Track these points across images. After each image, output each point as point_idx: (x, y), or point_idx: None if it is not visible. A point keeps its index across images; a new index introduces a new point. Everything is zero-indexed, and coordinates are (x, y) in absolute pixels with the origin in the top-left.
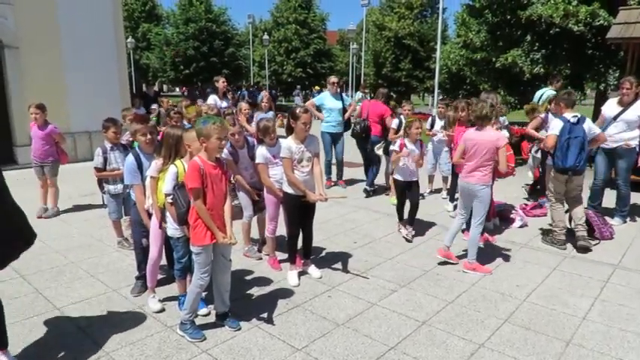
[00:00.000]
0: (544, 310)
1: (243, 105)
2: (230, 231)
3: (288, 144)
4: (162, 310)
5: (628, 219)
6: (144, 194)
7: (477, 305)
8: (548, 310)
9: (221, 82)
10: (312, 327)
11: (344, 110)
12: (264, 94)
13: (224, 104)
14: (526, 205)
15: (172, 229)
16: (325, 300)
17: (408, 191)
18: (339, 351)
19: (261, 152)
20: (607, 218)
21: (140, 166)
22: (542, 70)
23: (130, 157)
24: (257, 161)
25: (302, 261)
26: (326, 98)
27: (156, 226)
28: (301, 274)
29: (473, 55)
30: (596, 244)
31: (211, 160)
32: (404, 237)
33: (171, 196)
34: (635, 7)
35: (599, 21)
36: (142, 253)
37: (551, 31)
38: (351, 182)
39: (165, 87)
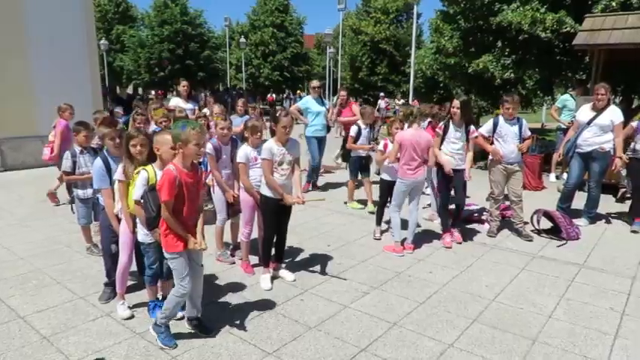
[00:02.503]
0: (511, 309)
1: (216, 107)
2: (200, 237)
3: (270, 145)
4: (132, 317)
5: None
6: (112, 198)
7: (447, 306)
8: (516, 310)
9: (182, 86)
10: (284, 330)
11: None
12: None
13: (189, 106)
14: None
15: (143, 234)
16: (298, 303)
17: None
18: (309, 354)
19: (244, 151)
20: (574, 220)
21: (109, 169)
22: (512, 75)
23: (99, 161)
24: (238, 160)
25: (274, 264)
26: (310, 102)
27: (126, 231)
28: (275, 277)
29: (446, 59)
30: (563, 244)
31: (186, 166)
32: (375, 238)
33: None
34: (600, 15)
35: (565, 28)
36: (111, 260)
37: (520, 38)
38: (326, 187)
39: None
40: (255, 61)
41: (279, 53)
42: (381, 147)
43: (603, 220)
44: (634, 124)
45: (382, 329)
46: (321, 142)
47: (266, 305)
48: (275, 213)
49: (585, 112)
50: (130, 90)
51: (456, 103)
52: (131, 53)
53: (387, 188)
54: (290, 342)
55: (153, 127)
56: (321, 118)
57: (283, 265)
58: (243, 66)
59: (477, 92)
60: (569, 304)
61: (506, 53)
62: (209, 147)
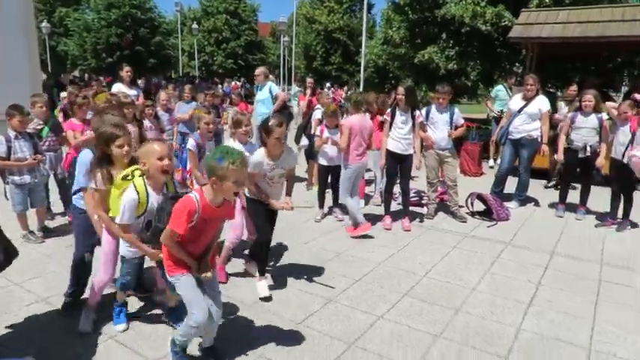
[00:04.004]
0: (440, 284)
1: (163, 94)
2: (207, 264)
3: (259, 159)
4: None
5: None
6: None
7: (382, 282)
8: (444, 284)
9: (125, 72)
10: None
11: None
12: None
13: (132, 92)
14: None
15: (126, 248)
16: (243, 284)
17: (332, 176)
18: (245, 331)
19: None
20: (506, 203)
21: None
22: (455, 66)
23: (87, 155)
24: None
25: (248, 263)
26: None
27: (109, 240)
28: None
29: (394, 50)
30: (494, 224)
31: (215, 202)
32: (315, 221)
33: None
34: (535, 10)
35: (504, 21)
36: (82, 271)
37: (463, 30)
38: None
39: (86, 76)
40: (208, 48)
41: (233, 41)
42: (318, 132)
43: (533, 203)
44: (569, 115)
45: (318, 305)
46: None
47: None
48: (264, 215)
49: (516, 101)
50: (75, 74)
51: (401, 89)
52: (76, 37)
53: (325, 173)
54: (227, 317)
55: (90, 113)
56: (262, 107)
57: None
58: (195, 53)
59: (425, 82)
60: (492, 278)
61: (450, 45)
62: (192, 144)
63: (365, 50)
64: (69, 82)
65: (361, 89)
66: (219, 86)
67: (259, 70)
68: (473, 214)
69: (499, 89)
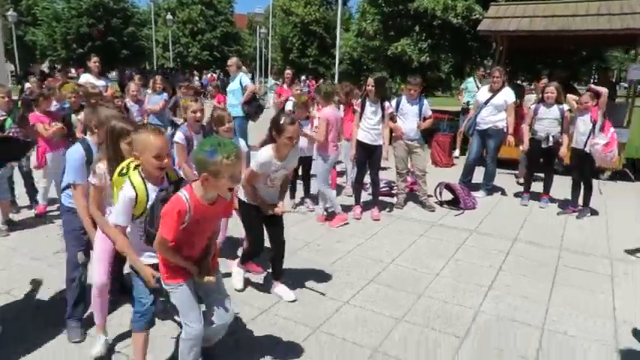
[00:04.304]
0: (406, 270)
1: (132, 85)
2: (208, 267)
3: (267, 159)
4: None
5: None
6: (86, 197)
7: (349, 270)
8: (409, 271)
9: (92, 62)
10: None
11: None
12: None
13: (101, 83)
14: (408, 180)
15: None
16: None
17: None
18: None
19: None
20: (474, 192)
21: (90, 162)
22: (428, 58)
23: (79, 150)
24: None
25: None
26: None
27: (103, 238)
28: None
29: (368, 42)
30: (461, 213)
31: (208, 199)
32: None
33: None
34: (504, 4)
35: (475, 15)
36: (78, 274)
37: (435, 23)
38: None
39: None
40: (183, 39)
41: (209, 32)
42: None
43: (499, 193)
44: (533, 106)
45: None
46: (240, 123)
47: None
48: (259, 222)
49: (483, 93)
50: (45, 66)
51: (371, 81)
52: (45, 27)
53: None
54: None
55: (54, 104)
56: (232, 97)
57: (280, 282)
58: (170, 44)
59: (398, 74)
60: (456, 264)
61: (423, 38)
62: (179, 136)
63: (340, 43)
64: (40, 74)
65: (336, 81)
66: (196, 78)
67: (232, 61)
68: (441, 203)
69: (468, 81)
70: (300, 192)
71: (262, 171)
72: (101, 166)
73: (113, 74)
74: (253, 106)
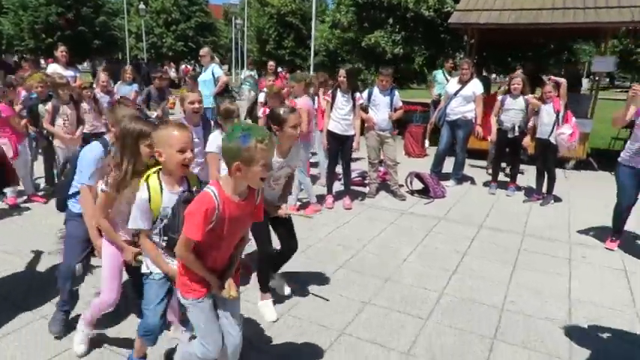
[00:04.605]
0: (375, 256)
1: (102, 76)
2: (230, 280)
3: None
4: (85, 355)
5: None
6: (94, 200)
7: (320, 257)
8: (379, 256)
9: (60, 52)
10: None
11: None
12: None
13: (69, 73)
14: (380, 170)
15: (151, 264)
16: None
17: None
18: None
19: (217, 139)
20: (444, 181)
21: None
22: (401, 50)
23: (97, 148)
24: (208, 149)
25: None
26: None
27: (113, 253)
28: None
29: (342, 34)
30: (430, 201)
31: (239, 193)
32: None
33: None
34: None
35: (446, 7)
36: (70, 283)
37: (407, 15)
38: None
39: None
40: (157, 29)
41: (183, 22)
42: (260, 113)
43: (469, 182)
44: (500, 97)
45: (253, 279)
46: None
47: None
48: (266, 225)
49: (453, 85)
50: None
51: (342, 72)
52: (11, 16)
53: None
54: None
55: (23, 94)
56: (204, 88)
57: (269, 297)
58: (143, 35)
59: (373, 66)
60: (424, 249)
61: (397, 30)
62: None
63: (316, 34)
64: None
65: (312, 73)
66: (173, 70)
67: (204, 51)
68: (412, 192)
69: (437, 73)
70: None
71: None
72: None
73: (85, 65)
74: (225, 98)
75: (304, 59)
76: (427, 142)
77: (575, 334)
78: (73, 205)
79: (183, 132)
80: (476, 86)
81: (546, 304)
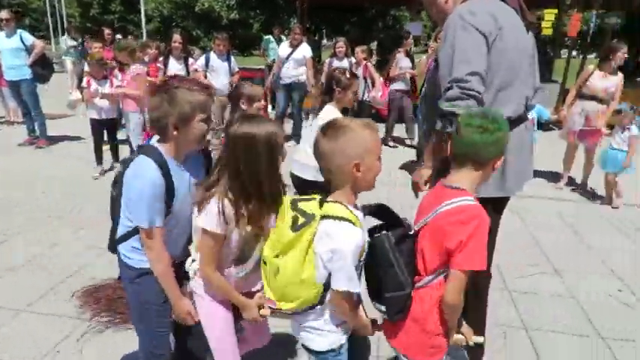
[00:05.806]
0: None
1: None
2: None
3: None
4: None
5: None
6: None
7: None
8: None
9: None
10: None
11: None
12: None
13: None
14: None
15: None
16: None
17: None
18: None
19: None
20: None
21: (171, 191)
22: (237, 15)
23: (153, 174)
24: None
25: None
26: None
27: (219, 313)
28: None
29: None
30: None
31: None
32: (94, 177)
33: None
34: None
35: None
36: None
37: None
38: None
39: None
40: None
41: None
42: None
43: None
44: (327, 60)
45: None
46: (28, 86)
47: None
48: None
49: (284, 48)
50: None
51: (177, 37)
52: None
53: (99, 126)
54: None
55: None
56: (11, 57)
57: None
58: None
59: (208, 32)
60: None
61: None
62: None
63: None
64: None
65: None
66: None
67: (6, 14)
68: None
69: (268, 39)
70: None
71: None
72: (228, 204)
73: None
74: (45, 67)
75: (137, 25)
76: (270, 107)
77: None
78: (131, 255)
79: (373, 131)
80: (305, 50)
81: None
